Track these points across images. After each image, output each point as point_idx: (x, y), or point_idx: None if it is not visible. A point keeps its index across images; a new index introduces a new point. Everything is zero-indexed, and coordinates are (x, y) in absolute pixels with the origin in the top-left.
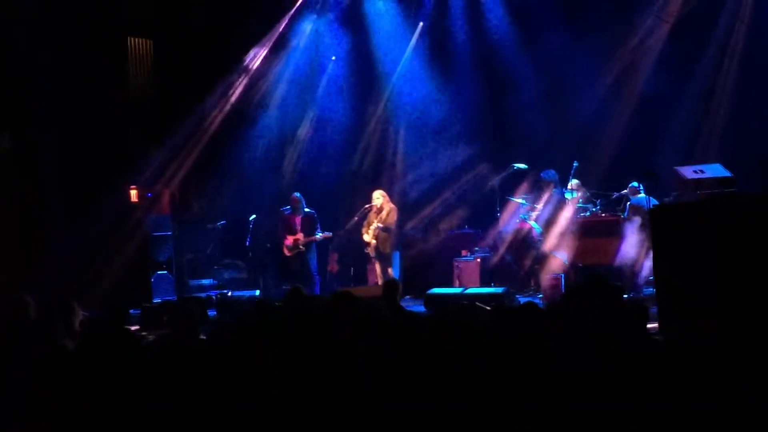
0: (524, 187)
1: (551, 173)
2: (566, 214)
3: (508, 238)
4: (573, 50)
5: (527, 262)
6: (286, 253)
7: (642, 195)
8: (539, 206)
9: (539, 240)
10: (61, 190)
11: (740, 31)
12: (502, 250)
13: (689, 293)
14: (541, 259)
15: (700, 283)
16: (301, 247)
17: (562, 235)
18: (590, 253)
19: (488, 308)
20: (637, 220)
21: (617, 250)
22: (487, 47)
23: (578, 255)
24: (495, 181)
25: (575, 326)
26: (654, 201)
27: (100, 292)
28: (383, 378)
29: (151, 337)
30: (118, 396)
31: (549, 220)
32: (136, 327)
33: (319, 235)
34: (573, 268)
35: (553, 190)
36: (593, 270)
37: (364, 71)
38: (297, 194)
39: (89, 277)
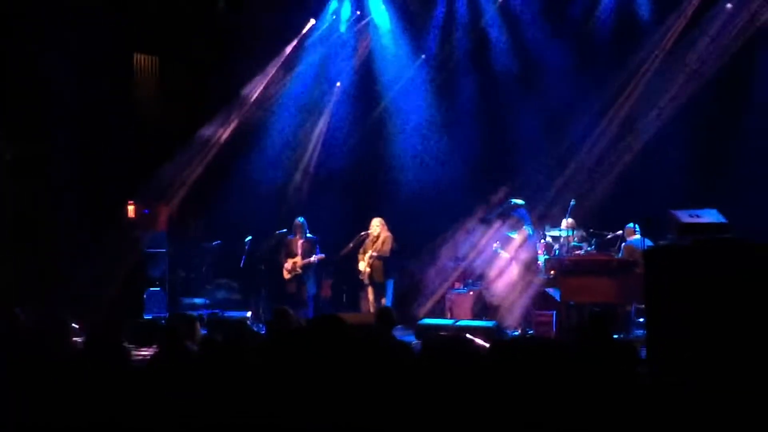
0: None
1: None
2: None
3: (495, 271)
4: (574, 88)
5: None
6: (286, 276)
7: (637, 237)
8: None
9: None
10: (62, 204)
11: (746, 74)
12: (491, 283)
13: (680, 336)
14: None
15: (690, 327)
16: (298, 269)
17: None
18: (582, 292)
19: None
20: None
21: (611, 289)
22: (489, 82)
23: (570, 293)
24: (491, 214)
25: (569, 362)
26: (649, 243)
27: (94, 306)
28: (372, 407)
29: (139, 352)
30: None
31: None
32: (125, 342)
33: (313, 257)
34: (565, 306)
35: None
36: (595, 309)
37: (366, 98)
38: (300, 219)
39: (85, 291)
